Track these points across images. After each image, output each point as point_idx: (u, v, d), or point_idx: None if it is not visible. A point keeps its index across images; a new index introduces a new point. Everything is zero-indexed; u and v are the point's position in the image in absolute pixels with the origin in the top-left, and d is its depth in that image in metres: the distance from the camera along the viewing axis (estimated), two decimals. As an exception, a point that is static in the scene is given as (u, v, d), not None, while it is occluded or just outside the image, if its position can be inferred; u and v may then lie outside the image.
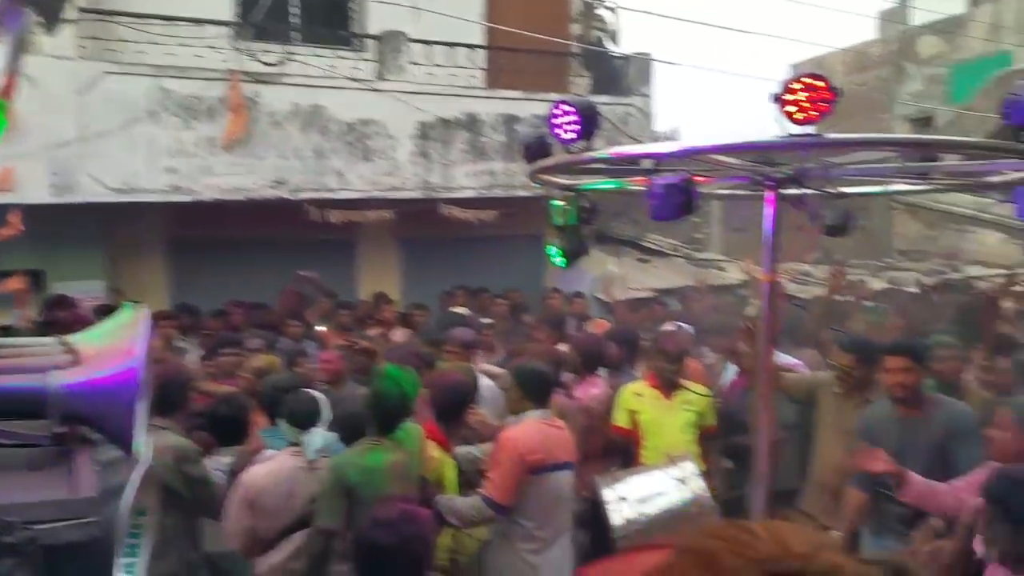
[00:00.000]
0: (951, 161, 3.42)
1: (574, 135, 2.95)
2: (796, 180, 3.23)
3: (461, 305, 7.84)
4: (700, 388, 4.75)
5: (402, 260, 9.95)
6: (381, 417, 3.45)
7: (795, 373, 4.85)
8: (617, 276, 9.75)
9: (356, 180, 8.41)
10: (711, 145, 2.82)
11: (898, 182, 3.77)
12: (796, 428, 4.52)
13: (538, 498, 3.58)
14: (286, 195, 8.07)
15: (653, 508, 3.55)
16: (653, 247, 11.91)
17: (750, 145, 2.83)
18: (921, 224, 13.61)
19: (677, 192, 2.69)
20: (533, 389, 3.75)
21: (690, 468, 3.76)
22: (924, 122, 16.09)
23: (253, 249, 8.46)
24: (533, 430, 3.63)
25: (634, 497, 3.58)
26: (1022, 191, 2.75)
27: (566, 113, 2.95)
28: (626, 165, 3.40)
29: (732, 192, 3.93)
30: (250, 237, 8.37)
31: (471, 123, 9.03)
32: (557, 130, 2.99)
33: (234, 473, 3.57)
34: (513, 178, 9.12)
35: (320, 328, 6.29)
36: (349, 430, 3.62)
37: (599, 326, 6.83)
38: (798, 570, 0.68)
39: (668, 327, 6.10)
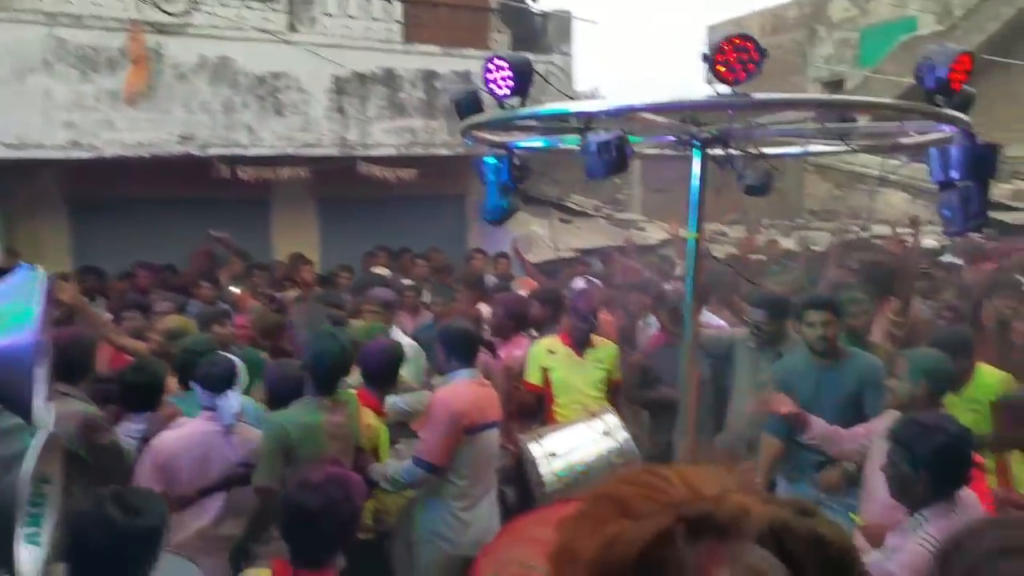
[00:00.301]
0: (869, 123, 3.51)
1: (508, 91, 2.90)
2: (722, 140, 3.26)
3: (383, 266, 7.72)
4: (608, 342, 4.77)
5: (320, 220, 9.70)
6: (321, 375, 3.39)
7: (714, 330, 4.97)
8: (538, 237, 9.77)
9: (268, 136, 8.10)
10: (646, 104, 2.80)
11: (818, 143, 3.86)
12: (709, 383, 4.64)
13: (471, 456, 3.60)
14: (194, 151, 7.72)
15: (581, 461, 3.60)
16: (575, 208, 11.97)
17: (683, 104, 2.84)
18: (831, 184, 14.10)
19: (611, 150, 2.68)
20: (459, 349, 3.73)
21: (612, 421, 3.83)
22: (836, 84, 16.60)
23: (160, 208, 8.10)
24: (466, 391, 3.63)
25: (562, 452, 3.62)
26: (935, 152, 2.83)
27: (500, 68, 2.89)
28: (557, 123, 3.36)
29: (660, 152, 3.95)
30: (156, 196, 8.00)
31: (389, 78, 8.80)
32: (491, 85, 2.93)
33: (146, 440, 3.42)
34: (434, 136, 8.97)
35: (234, 290, 6.08)
36: (282, 393, 3.54)
37: (527, 285, 6.83)
38: (708, 512, 0.69)
39: (580, 284, 6.15)
